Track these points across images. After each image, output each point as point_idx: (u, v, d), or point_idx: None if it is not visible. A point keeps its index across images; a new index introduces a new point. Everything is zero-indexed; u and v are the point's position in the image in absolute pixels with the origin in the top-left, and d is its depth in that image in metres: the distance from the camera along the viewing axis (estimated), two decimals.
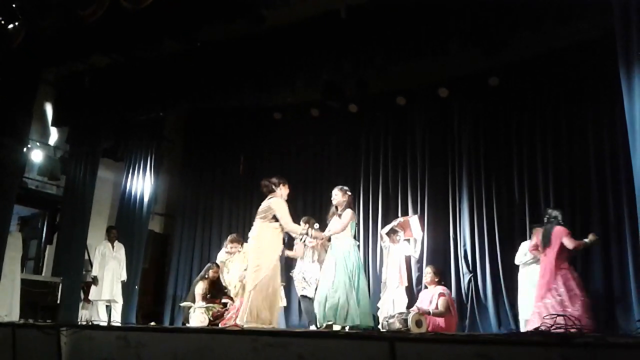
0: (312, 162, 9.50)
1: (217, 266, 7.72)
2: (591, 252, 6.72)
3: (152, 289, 10.07)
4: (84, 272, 8.76)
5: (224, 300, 7.52)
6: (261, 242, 5.38)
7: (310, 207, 8.94)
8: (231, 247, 7.54)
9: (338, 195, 6.01)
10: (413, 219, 7.58)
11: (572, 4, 5.38)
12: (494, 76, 7.77)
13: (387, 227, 7.56)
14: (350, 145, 9.28)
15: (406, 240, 7.48)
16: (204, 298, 7.36)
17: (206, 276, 7.59)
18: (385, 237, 7.48)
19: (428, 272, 6.98)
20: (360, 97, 8.49)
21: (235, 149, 10.17)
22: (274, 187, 5.58)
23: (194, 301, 7.42)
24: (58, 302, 7.70)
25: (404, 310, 6.95)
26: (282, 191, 5.61)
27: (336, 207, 6.02)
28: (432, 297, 6.65)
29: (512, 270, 7.10)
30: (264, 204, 5.52)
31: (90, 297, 8.32)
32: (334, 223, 5.95)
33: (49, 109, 8.91)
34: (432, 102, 8.44)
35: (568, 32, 6.26)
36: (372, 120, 9.09)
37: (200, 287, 7.38)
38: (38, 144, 8.78)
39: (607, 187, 6.80)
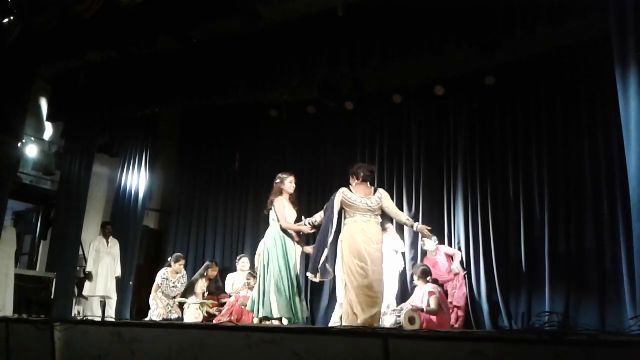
0: (308, 159, 9.49)
1: (216, 264, 7.75)
2: (586, 251, 6.77)
3: (146, 285, 10.05)
4: (78, 268, 8.74)
5: (222, 300, 7.56)
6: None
7: (305, 203, 8.91)
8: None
9: None
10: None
11: (568, 4, 5.40)
12: (490, 75, 7.78)
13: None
14: (345, 143, 9.26)
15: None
16: (203, 296, 7.40)
17: (205, 274, 7.61)
18: None
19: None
20: (356, 94, 8.47)
21: (231, 145, 10.15)
22: None
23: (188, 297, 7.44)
24: (52, 297, 7.69)
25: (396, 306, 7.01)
26: None
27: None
28: (422, 296, 6.67)
29: (506, 269, 7.12)
30: (379, 201, 5.27)
31: (84, 293, 8.30)
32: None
33: (43, 104, 8.89)
34: (428, 100, 8.43)
35: (564, 32, 6.27)
36: (368, 118, 9.08)
37: (199, 286, 7.41)
38: (33, 138, 8.74)
39: (602, 187, 6.81)
